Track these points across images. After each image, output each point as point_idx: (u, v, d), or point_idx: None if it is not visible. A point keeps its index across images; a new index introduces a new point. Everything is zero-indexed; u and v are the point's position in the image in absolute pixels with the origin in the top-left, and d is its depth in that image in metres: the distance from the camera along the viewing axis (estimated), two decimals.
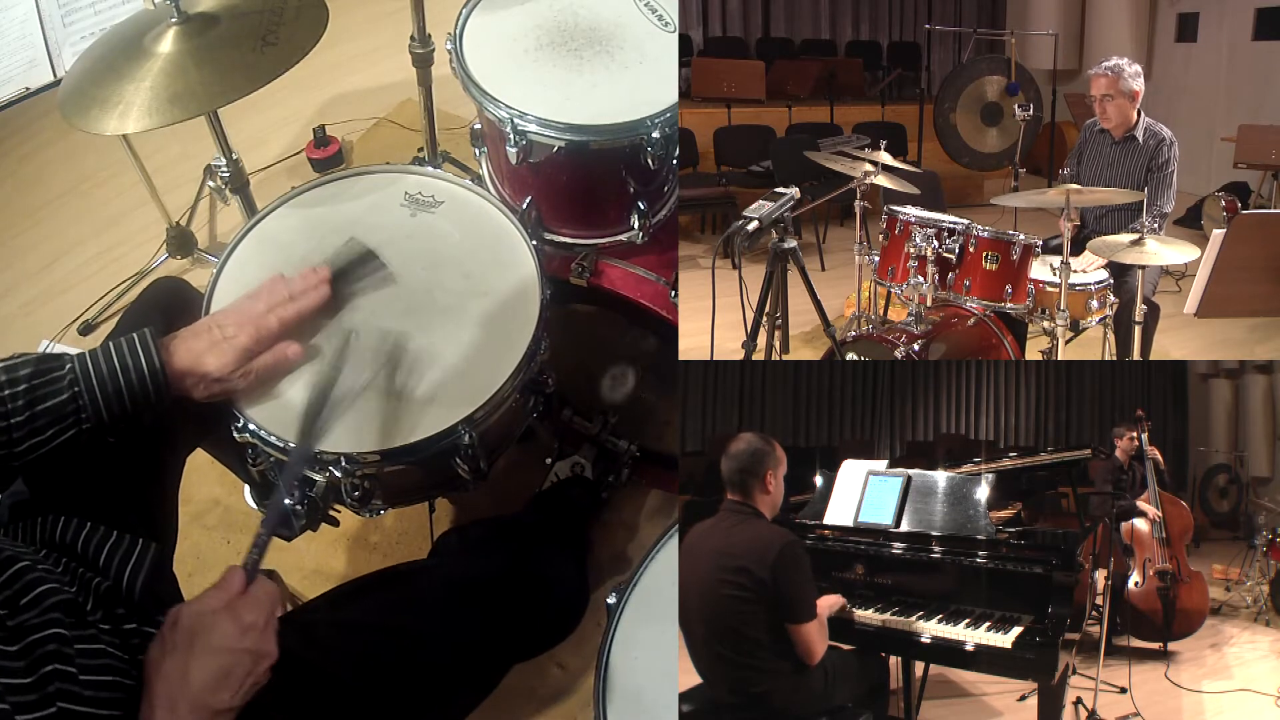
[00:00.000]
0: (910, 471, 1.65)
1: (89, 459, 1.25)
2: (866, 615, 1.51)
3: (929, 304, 2.39)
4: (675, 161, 1.82)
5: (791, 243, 2.05)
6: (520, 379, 1.47)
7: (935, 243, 2.35)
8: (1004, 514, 1.74)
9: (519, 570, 1.54)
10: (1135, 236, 2.22)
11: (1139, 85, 2.59)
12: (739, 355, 2.16)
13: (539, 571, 1.58)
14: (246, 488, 2.09)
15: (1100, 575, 1.86)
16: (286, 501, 1.44)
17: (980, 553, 1.49)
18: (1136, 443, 2.35)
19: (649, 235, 1.83)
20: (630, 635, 1.36)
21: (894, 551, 1.57)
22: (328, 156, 3.05)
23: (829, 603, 1.48)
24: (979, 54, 4.55)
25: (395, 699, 1.29)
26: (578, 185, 1.76)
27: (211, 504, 2.19)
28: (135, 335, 1.24)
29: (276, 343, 1.36)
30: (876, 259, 2.53)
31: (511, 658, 1.52)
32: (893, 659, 1.60)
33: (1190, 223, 4.03)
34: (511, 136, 1.64)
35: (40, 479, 1.26)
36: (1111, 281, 2.44)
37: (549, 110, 1.64)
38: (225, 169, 2.12)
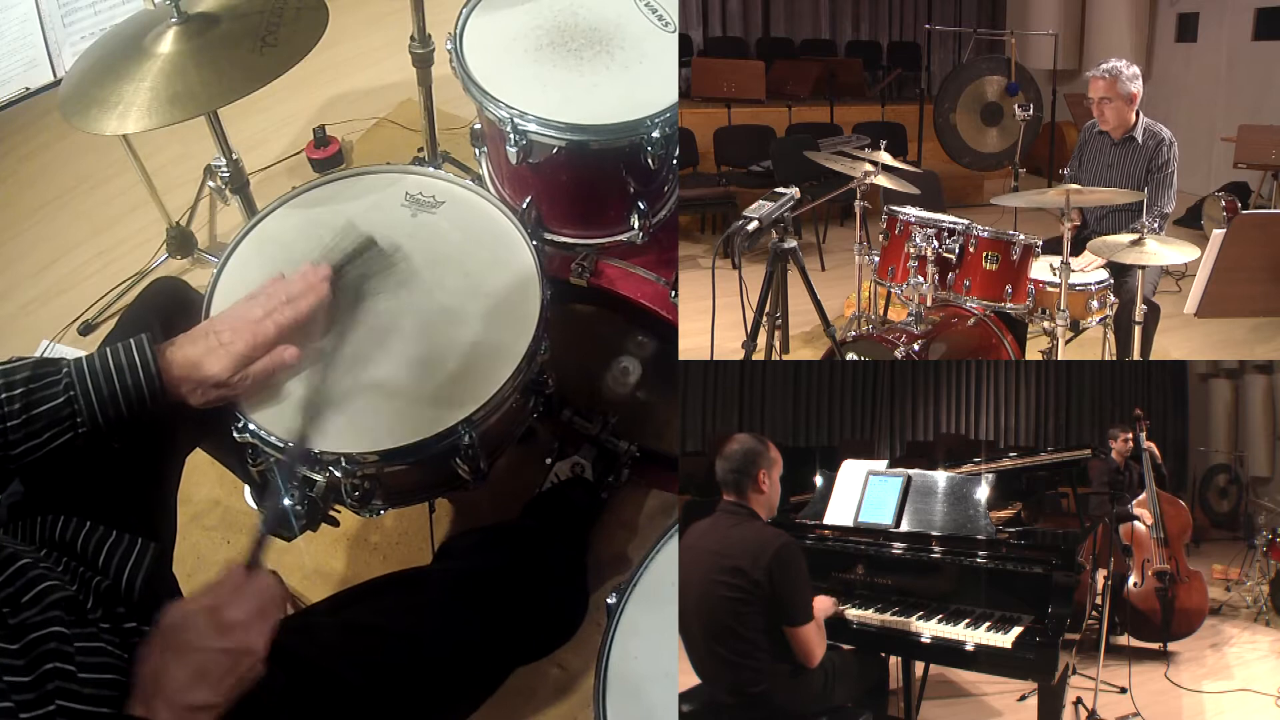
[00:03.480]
0: (910, 471, 1.65)
1: (87, 460, 1.25)
2: (866, 615, 1.51)
3: (929, 304, 2.38)
4: (675, 161, 1.82)
5: (791, 243, 2.05)
6: (520, 379, 1.47)
7: (935, 243, 2.35)
8: (1004, 514, 1.74)
9: (520, 574, 1.54)
10: (1135, 236, 2.22)
11: (1137, 88, 2.58)
12: (739, 355, 2.16)
13: (539, 575, 1.58)
14: (246, 488, 2.10)
15: (1100, 575, 1.86)
16: (286, 502, 1.44)
17: (980, 553, 1.49)
18: (1131, 443, 2.34)
19: (649, 235, 1.83)
20: (630, 635, 1.36)
21: (894, 551, 1.57)
22: (328, 156, 3.05)
23: (821, 606, 1.48)
24: (979, 54, 4.55)
25: (397, 701, 1.29)
26: (578, 185, 1.76)
27: (211, 504, 2.19)
28: (132, 341, 1.24)
29: (274, 347, 1.35)
30: (876, 259, 2.53)
31: (513, 660, 1.52)
32: (893, 659, 1.59)
33: (1190, 223, 4.02)
34: (511, 136, 1.64)
35: (38, 479, 1.26)
36: (1111, 281, 2.44)
37: (549, 110, 1.64)
38: (225, 169, 2.12)
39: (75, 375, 1.20)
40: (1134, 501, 2.33)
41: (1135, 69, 2.58)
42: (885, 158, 2.70)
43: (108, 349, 1.24)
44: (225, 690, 1.05)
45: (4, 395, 1.15)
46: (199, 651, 1.04)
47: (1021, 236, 2.32)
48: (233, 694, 1.06)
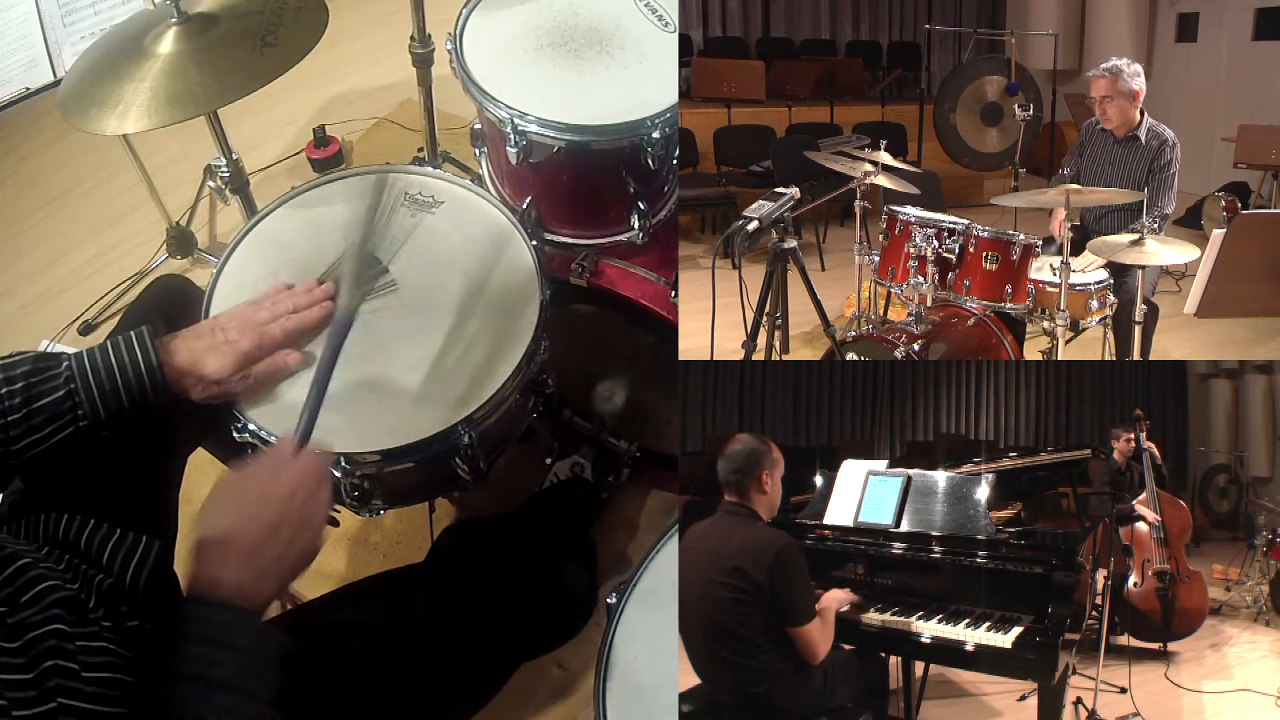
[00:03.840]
0: (910, 471, 1.65)
1: (90, 457, 1.25)
2: (866, 615, 1.51)
3: (929, 304, 2.39)
4: (675, 161, 1.82)
5: (791, 243, 2.05)
6: (520, 379, 1.47)
7: (935, 243, 2.35)
8: (1004, 514, 1.74)
9: (521, 568, 1.54)
10: (1135, 236, 2.22)
11: (1139, 85, 2.58)
12: (739, 355, 2.16)
13: (542, 569, 1.58)
14: None
15: (1100, 575, 1.86)
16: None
17: (980, 553, 1.49)
18: (1133, 444, 2.35)
19: (649, 235, 1.83)
20: (630, 635, 1.36)
21: (894, 551, 1.57)
22: (328, 156, 3.05)
23: (836, 598, 1.48)
24: (979, 54, 4.55)
25: (399, 699, 1.29)
26: (578, 185, 1.76)
27: None
28: (133, 333, 1.25)
29: (277, 350, 1.36)
30: (876, 259, 2.53)
31: (518, 656, 1.51)
32: (893, 659, 1.60)
33: (1190, 223, 4.03)
34: (511, 137, 1.64)
35: (40, 477, 1.26)
36: (1111, 281, 2.44)
37: (549, 110, 1.64)
38: (225, 169, 2.12)
39: (76, 369, 1.20)
40: (1134, 501, 2.33)
41: (1137, 67, 2.58)
42: (885, 158, 2.70)
43: (109, 342, 1.24)
44: (293, 560, 1.07)
45: (4, 390, 1.15)
46: (270, 504, 1.07)
47: (1021, 236, 2.32)
48: (298, 568, 1.08)
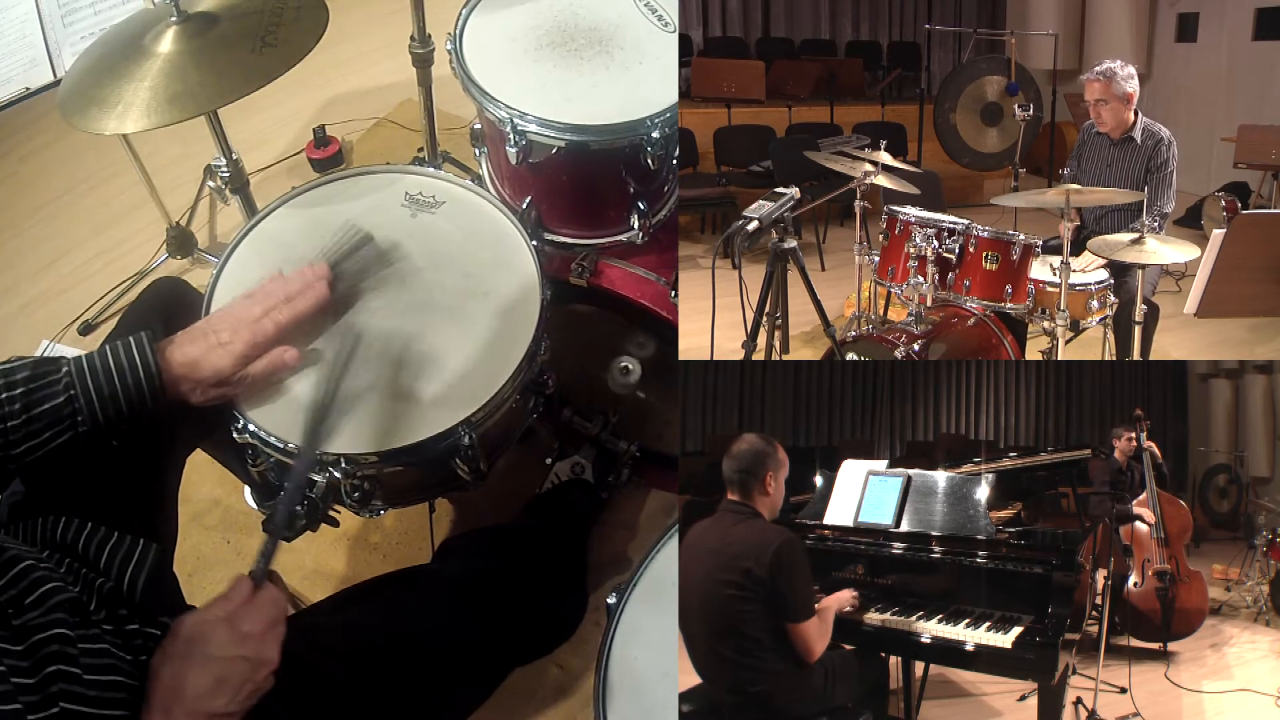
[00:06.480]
0: (910, 471, 1.65)
1: (88, 460, 1.25)
2: (866, 615, 1.51)
3: (929, 304, 2.39)
4: (675, 161, 1.82)
5: (791, 243, 2.05)
6: (520, 380, 1.47)
7: (935, 243, 2.35)
8: (1004, 514, 1.74)
9: (519, 576, 1.55)
10: (1135, 236, 2.22)
11: (1133, 88, 2.58)
12: (739, 355, 2.16)
13: (539, 577, 1.58)
14: (246, 488, 2.10)
15: (1100, 575, 1.86)
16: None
17: (980, 553, 1.49)
18: (1134, 443, 2.34)
19: (649, 235, 1.83)
20: (630, 636, 1.36)
21: (894, 551, 1.57)
22: (328, 156, 3.05)
23: (839, 599, 1.48)
24: (979, 54, 4.54)
25: (395, 700, 1.29)
26: (578, 185, 1.76)
27: (211, 504, 2.19)
28: (131, 339, 1.25)
29: (274, 346, 1.35)
30: (876, 259, 2.53)
31: (511, 661, 1.52)
32: (893, 659, 1.60)
33: (1190, 223, 4.02)
34: (511, 137, 1.64)
35: (38, 479, 1.26)
36: (1111, 281, 2.44)
37: (549, 110, 1.64)
38: (225, 169, 2.12)
39: (75, 374, 1.20)
40: (1134, 501, 2.33)
41: (1130, 69, 2.58)
42: (885, 158, 2.70)
43: (107, 348, 1.24)
44: (243, 699, 1.06)
45: (4, 395, 1.15)
46: (220, 660, 1.06)
47: (1021, 236, 2.32)
48: (249, 703, 1.07)
